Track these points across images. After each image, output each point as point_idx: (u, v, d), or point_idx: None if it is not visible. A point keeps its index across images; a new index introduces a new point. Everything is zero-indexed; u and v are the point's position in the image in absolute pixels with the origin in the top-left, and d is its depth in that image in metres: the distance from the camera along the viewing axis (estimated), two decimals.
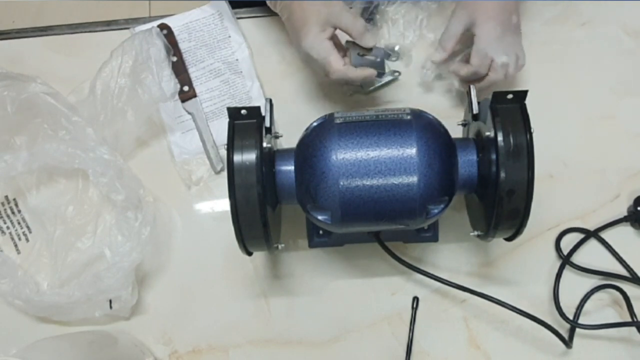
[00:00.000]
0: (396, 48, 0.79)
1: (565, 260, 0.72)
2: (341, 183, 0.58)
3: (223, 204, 0.77)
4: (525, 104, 0.59)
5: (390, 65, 0.79)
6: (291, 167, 0.62)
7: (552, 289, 0.72)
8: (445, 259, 0.74)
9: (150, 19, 0.85)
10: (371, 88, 0.79)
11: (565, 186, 0.76)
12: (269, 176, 0.61)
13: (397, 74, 0.78)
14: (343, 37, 0.72)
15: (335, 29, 0.69)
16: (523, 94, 0.59)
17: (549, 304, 0.72)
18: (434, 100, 0.79)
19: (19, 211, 0.78)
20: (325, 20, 0.68)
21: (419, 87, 0.80)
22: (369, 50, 0.71)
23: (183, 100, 0.80)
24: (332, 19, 0.68)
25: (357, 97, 0.80)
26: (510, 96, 0.58)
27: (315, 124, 0.62)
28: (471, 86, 0.63)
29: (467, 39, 0.72)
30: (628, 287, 0.71)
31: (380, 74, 0.73)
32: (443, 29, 0.74)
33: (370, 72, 0.71)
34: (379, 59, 0.72)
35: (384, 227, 0.63)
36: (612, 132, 0.78)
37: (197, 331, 0.73)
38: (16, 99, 0.73)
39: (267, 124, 0.60)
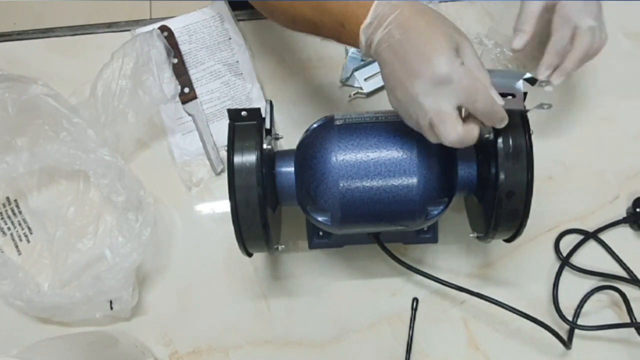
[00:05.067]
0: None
1: (565, 262, 0.72)
2: (341, 184, 0.58)
3: (223, 205, 0.77)
4: (524, 106, 0.59)
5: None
6: (291, 169, 0.62)
7: (551, 290, 0.72)
8: (444, 260, 0.74)
9: (151, 21, 0.85)
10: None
11: (564, 188, 0.76)
12: (269, 177, 0.61)
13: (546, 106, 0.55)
14: None
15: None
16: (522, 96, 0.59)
17: (548, 305, 0.72)
18: None
19: (20, 212, 0.78)
20: (456, 46, 0.51)
21: None
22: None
23: (184, 102, 0.81)
24: (460, 44, 0.51)
25: (357, 100, 0.80)
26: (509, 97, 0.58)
27: (315, 125, 0.63)
28: None
29: (546, 23, 0.65)
30: (627, 289, 0.71)
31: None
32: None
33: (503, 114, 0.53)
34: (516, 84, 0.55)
35: (384, 228, 0.63)
36: (612, 134, 0.78)
37: (198, 332, 0.73)
38: (17, 101, 0.73)
39: (268, 125, 0.60)
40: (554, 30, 0.64)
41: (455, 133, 0.51)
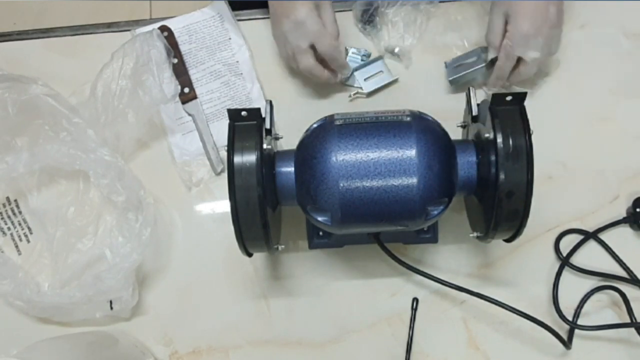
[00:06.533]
0: (396, 50, 0.80)
1: (565, 262, 0.72)
2: (341, 184, 0.58)
3: (223, 205, 0.77)
4: (524, 106, 0.59)
5: (390, 68, 0.80)
6: (291, 169, 0.62)
7: (551, 290, 0.72)
8: (444, 260, 0.74)
9: (151, 21, 0.85)
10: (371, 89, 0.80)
11: (564, 187, 0.76)
12: (269, 177, 0.61)
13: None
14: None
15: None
16: (522, 95, 0.59)
17: (548, 305, 0.72)
18: (433, 102, 0.79)
19: (20, 212, 0.78)
20: (316, 4, 0.72)
21: (421, 88, 0.80)
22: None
23: (184, 102, 0.81)
24: (320, 5, 0.73)
25: (358, 100, 0.80)
26: (509, 98, 0.59)
27: (315, 125, 0.63)
28: (470, 88, 0.63)
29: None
30: (627, 288, 0.71)
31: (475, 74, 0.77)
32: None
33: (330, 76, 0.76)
34: (474, 60, 0.77)
35: (384, 228, 0.63)
36: (611, 134, 0.78)
37: (198, 332, 0.73)
38: (17, 101, 0.73)
39: (268, 125, 0.60)
40: (499, 53, 0.73)
41: (307, 63, 0.73)
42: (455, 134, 0.66)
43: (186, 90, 0.81)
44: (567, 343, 0.67)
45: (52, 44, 0.85)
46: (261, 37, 0.83)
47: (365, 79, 0.80)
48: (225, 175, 0.75)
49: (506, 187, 0.57)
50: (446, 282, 0.67)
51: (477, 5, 0.82)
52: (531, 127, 0.57)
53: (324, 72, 0.75)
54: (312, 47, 0.73)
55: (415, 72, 0.80)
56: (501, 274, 0.73)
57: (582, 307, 0.71)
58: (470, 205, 0.69)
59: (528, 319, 0.65)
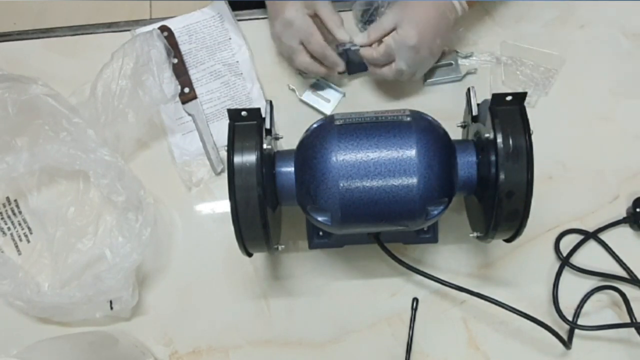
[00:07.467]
0: None
1: (565, 262, 0.72)
2: (341, 184, 0.58)
3: (223, 205, 0.77)
4: (524, 106, 0.59)
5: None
6: (291, 169, 0.62)
7: (551, 290, 0.72)
8: (444, 260, 0.74)
9: (151, 21, 0.85)
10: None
11: (564, 187, 0.76)
12: (269, 177, 0.61)
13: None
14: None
15: (315, 15, 0.74)
16: (522, 95, 0.59)
17: (548, 305, 0.72)
18: (433, 102, 0.79)
19: (20, 212, 0.78)
20: (307, 3, 0.73)
21: (420, 88, 0.80)
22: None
23: (184, 102, 0.81)
24: (314, 4, 0.73)
25: (356, 99, 0.80)
26: (509, 98, 0.59)
27: (315, 125, 0.63)
28: (470, 88, 0.63)
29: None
30: (627, 288, 0.71)
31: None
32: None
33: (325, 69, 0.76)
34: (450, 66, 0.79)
35: (384, 228, 0.63)
36: (611, 134, 0.78)
37: (198, 332, 0.73)
38: (17, 101, 0.73)
39: (268, 125, 0.60)
40: (380, 47, 0.73)
41: (303, 60, 0.75)
42: (455, 134, 0.66)
43: (186, 90, 0.81)
44: (567, 343, 0.67)
45: (52, 44, 0.85)
46: (261, 37, 0.83)
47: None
48: (225, 175, 0.75)
49: (506, 187, 0.57)
50: (446, 282, 0.67)
51: (477, 5, 0.82)
52: (531, 127, 0.57)
53: (320, 68, 0.76)
54: (304, 45, 0.74)
55: None
56: (501, 274, 0.73)
57: (582, 307, 0.71)
58: (470, 205, 0.69)
59: (528, 319, 0.65)
